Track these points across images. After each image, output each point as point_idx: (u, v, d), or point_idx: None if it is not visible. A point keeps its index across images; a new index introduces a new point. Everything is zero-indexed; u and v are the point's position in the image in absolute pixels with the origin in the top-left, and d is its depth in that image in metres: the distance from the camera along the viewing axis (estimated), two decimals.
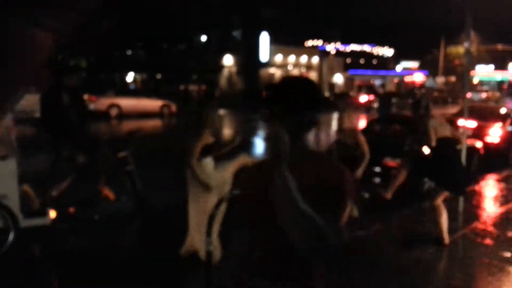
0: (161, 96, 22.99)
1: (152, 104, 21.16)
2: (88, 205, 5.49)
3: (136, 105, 19.49)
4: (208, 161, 4.24)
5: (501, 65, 47.40)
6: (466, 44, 7.76)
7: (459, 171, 4.87)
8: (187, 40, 33.38)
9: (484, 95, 38.65)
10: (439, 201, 4.82)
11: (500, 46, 48.19)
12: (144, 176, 5.71)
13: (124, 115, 18.86)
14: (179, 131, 16.15)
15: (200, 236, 3.93)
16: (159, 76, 33.34)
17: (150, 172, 8.17)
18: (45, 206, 4.97)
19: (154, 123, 16.90)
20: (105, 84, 24.30)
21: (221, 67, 33.14)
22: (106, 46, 26.46)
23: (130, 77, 33.75)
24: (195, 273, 3.87)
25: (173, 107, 21.74)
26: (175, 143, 12.58)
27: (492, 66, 47.77)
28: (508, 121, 10.34)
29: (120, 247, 4.62)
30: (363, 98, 32.63)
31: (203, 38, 34.57)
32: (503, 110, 11.24)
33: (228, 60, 33.35)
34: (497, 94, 41.41)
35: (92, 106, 17.52)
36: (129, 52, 33.51)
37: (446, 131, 4.91)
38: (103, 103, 18.90)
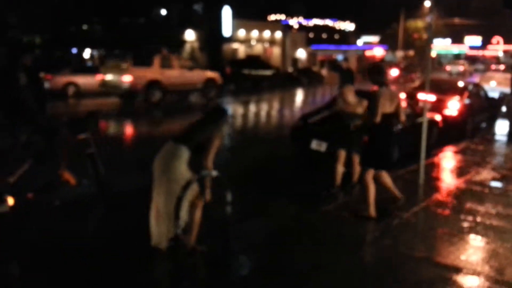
0: None
1: None
2: (48, 191, 5.29)
3: (95, 83, 18.74)
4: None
5: (458, 39, 48.78)
6: (428, 18, 7.87)
7: (386, 150, 5.14)
8: (146, 14, 32.23)
9: (461, 68, 39.88)
10: (368, 177, 5.01)
11: (457, 20, 49.46)
12: (106, 159, 5.53)
13: (82, 94, 18.16)
14: (140, 109, 15.75)
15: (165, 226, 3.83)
16: (117, 51, 32.21)
17: (111, 154, 7.95)
18: (2, 192, 4.75)
19: (114, 102, 16.34)
20: (60, 62, 23.21)
21: (183, 42, 32.34)
22: (60, 21, 25.17)
23: (87, 53, 32.41)
24: (161, 260, 3.82)
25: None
26: (142, 124, 12.33)
27: (449, 40, 49.07)
28: (466, 94, 10.68)
29: (82, 233, 4.49)
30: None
31: (163, 12, 33.51)
32: (460, 84, 11.59)
33: (190, 35, 32.57)
34: (472, 67, 43.02)
35: (47, 85, 16.71)
36: (85, 27, 32.06)
37: (393, 105, 4.96)
38: (59, 81, 18.07)
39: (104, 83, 17.22)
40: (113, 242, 4.26)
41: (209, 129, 3.85)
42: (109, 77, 16.97)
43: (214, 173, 3.74)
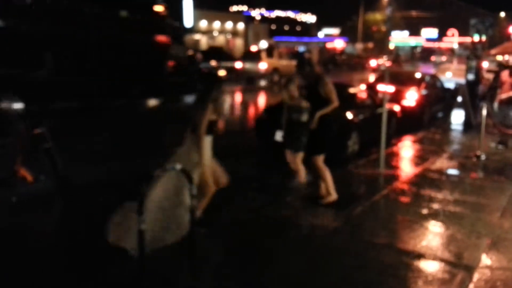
0: None
1: None
2: (4, 187, 5.05)
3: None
4: (210, 138, 4.33)
5: (415, 31, 50.23)
6: (387, 11, 8.05)
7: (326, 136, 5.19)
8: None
9: (444, 58, 41.14)
10: (319, 163, 5.13)
11: (414, 13, 50.88)
12: (64, 152, 5.34)
13: None
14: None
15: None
16: None
17: (69, 148, 7.68)
18: None
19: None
20: None
21: None
22: None
23: None
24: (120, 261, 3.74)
25: None
26: (101, 116, 11.97)
27: (406, 32, 50.44)
28: (423, 85, 11.03)
29: (40, 231, 4.32)
30: None
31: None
32: (418, 75, 11.96)
33: None
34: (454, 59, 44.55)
35: None
36: None
37: None
38: None
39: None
40: (71, 238, 4.13)
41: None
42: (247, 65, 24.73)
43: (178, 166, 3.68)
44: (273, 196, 5.44)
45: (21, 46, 12.38)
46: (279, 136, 7.06)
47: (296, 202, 5.28)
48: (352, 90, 8.50)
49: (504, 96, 9.90)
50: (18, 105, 5.11)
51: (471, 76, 11.54)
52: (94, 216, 4.41)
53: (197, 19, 32.99)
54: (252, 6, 40.69)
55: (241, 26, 37.74)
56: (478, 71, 11.99)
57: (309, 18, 47.54)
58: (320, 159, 5.12)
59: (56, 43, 13.55)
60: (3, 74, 10.95)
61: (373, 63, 35.55)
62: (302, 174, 5.27)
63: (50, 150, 5.05)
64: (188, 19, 31.96)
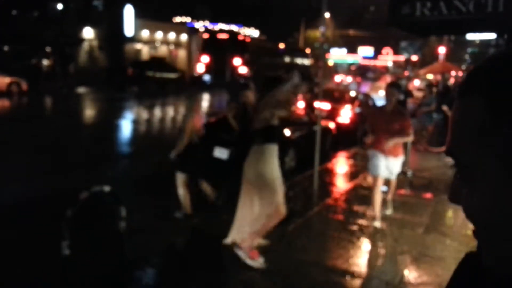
0: (10, 72, 20.32)
1: None
2: None
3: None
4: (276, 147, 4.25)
5: (352, 49, 52.46)
6: (321, 29, 8.39)
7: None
8: (40, 7, 29.82)
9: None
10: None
11: (351, 32, 53.22)
12: None
13: None
14: (31, 113, 14.56)
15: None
16: (6, 48, 29.33)
17: None
18: None
19: (0, 104, 14.90)
20: None
21: (80, 40, 30.49)
22: None
23: None
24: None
25: (24, 85, 19.41)
26: (27, 127, 11.38)
27: (345, 50, 52.59)
28: (356, 103, 11.54)
29: None
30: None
31: (59, 6, 31.30)
32: (352, 93, 12.50)
33: (88, 32, 30.83)
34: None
35: None
36: None
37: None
38: None
39: None
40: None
41: None
42: None
43: (107, 188, 3.59)
44: (209, 214, 5.43)
45: None
46: (218, 152, 7.09)
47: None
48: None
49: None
50: None
51: (400, 96, 12.25)
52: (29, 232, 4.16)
53: (138, 28, 32.34)
54: (196, 18, 40.60)
55: (184, 37, 37.48)
56: (407, 90, 12.75)
57: (252, 32, 48.26)
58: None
59: None
60: None
61: (337, 78, 35.68)
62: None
63: None
64: (129, 28, 31.27)
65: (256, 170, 4.12)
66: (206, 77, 25.43)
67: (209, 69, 25.31)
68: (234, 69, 24.18)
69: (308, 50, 34.57)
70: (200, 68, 26.22)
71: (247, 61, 24.59)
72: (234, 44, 25.05)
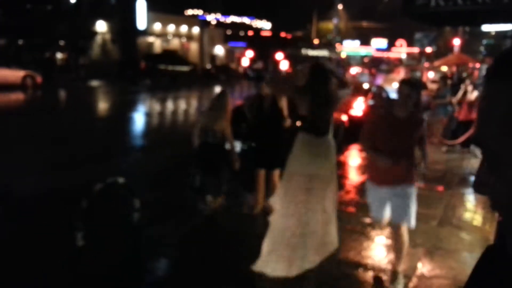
0: (24, 65, 20.59)
1: (13, 74, 18.88)
2: None
3: None
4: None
5: (365, 41, 51.99)
6: (334, 21, 8.30)
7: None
8: (54, 1, 30.08)
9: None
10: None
11: (364, 23, 52.69)
12: (4, 161, 5.10)
13: None
14: (45, 106, 14.73)
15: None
16: (21, 41, 29.67)
17: (12, 156, 7.38)
18: None
19: (15, 97, 15.11)
20: None
21: (93, 33, 30.71)
22: None
23: None
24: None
25: (38, 78, 19.67)
26: (41, 120, 11.53)
27: (358, 42, 52.14)
28: (369, 96, 11.44)
29: None
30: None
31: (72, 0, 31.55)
32: (365, 86, 12.39)
33: (101, 26, 31.02)
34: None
35: None
36: None
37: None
38: None
39: None
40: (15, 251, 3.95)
41: None
42: None
43: (121, 180, 3.62)
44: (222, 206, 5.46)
45: None
46: None
47: (242, 212, 5.31)
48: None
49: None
50: None
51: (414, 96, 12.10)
52: (38, 227, 4.23)
53: (151, 21, 32.46)
54: (208, 10, 40.57)
55: (196, 30, 37.51)
56: (421, 83, 12.59)
57: (264, 24, 48.07)
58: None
59: None
60: None
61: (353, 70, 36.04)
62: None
63: None
64: (141, 22, 31.39)
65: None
66: (250, 71, 28.04)
67: (253, 63, 27.86)
68: (276, 63, 25.61)
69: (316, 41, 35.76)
70: (245, 62, 29.15)
71: (287, 55, 25.80)
72: (276, 41, 26.77)
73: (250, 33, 30.73)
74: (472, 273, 0.67)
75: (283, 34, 27.84)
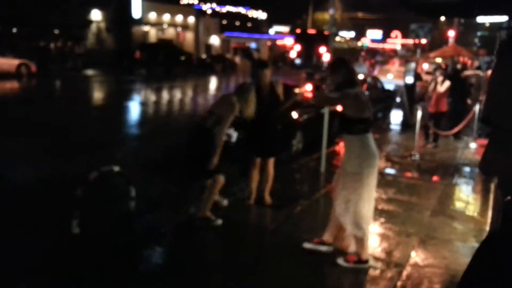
0: (19, 53, 20.39)
1: (7, 63, 18.74)
2: None
3: None
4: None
5: (361, 32, 51.85)
6: (331, 11, 8.29)
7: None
8: None
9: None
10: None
11: (360, 14, 52.49)
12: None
13: None
14: (40, 94, 14.63)
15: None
16: (14, 30, 29.30)
17: (7, 144, 7.35)
18: None
19: (10, 85, 14.98)
20: None
21: (88, 22, 30.38)
22: None
23: None
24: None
25: (33, 67, 19.51)
26: (36, 109, 11.46)
27: (353, 33, 51.97)
28: (365, 86, 11.46)
29: None
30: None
31: None
32: (360, 76, 12.38)
33: (96, 14, 30.69)
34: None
35: None
36: None
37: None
38: None
39: None
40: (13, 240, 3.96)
41: None
42: None
43: (116, 168, 3.62)
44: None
45: None
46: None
47: (237, 201, 5.34)
48: (297, 90, 8.66)
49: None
50: None
51: (409, 79, 12.11)
52: (37, 215, 4.23)
53: (146, 10, 32.16)
54: (203, 0, 40.26)
55: (191, 19, 37.23)
56: (416, 74, 12.60)
57: (260, 15, 47.74)
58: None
59: None
60: None
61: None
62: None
63: None
64: (136, 10, 31.10)
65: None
66: (298, 61, 33.53)
67: (300, 55, 33.53)
68: (319, 55, 30.20)
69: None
70: (292, 54, 35.02)
71: (329, 49, 28.92)
72: (320, 37, 31.28)
73: (298, 31, 36.04)
74: (473, 258, 0.67)
75: (326, 33, 31.68)
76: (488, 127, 0.56)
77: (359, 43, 50.95)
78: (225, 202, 4.94)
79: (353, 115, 3.79)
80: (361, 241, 3.86)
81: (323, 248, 4.10)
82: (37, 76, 19.28)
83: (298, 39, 34.77)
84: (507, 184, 0.55)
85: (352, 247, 4.00)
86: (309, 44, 32.49)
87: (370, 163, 3.77)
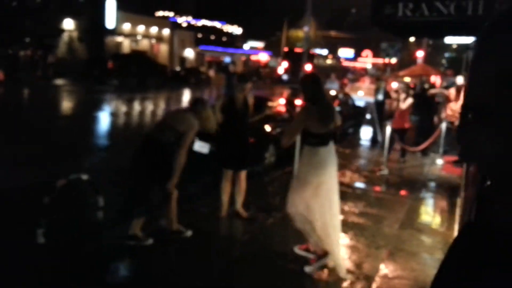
0: None
1: None
2: None
3: None
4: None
5: (333, 50, 52.93)
6: (305, 29, 8.45)
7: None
8: None
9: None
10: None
11: (333, 33, 53.65)
12: None
13: None
14: (7, 103, 14.21)
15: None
16: None
17: None
18: None
19: None
20: None
21: (60, 31, 29.83)
22: None
23: None
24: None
25: (0, 74, 18.97)
26: (3, 118, 11.09)
27: (326, 50, 52.99)
28: (336, 103, 11.67)
29: None
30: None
31: None
32: (332, 93, 12.61)
33: (68, 23, 30.19)
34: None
35: None
36: None
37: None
38: None
39: None
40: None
41: None
42: None
43: (85, 176, 3.54)
44: (186, 206, 5.40)
45: None
46: (198, 146, 7.04)
47: (208, 213, 5.29)
48: (270, 104, 8.75)
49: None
50: None
51: (380, 96, 12.40)
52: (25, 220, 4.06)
53: (120, 21, 31.88)
54: (179, 13, 40.26)
55: (166, 32, 37.14)
56: (386, 92, 12.92)
57: (235, 29, 48.15)
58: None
59: None
60: None
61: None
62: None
63: None
64: (110, 21, 30.79)
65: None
66: (285, 77, 36.62)
67: (287, 71, 36.84)
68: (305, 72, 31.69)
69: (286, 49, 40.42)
70: (280, 70, 38.85)
71: (314, 66, 31.09)
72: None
73: (286, 49, 39.00)
74: (450, 249, 0.67)
75: (312, 52, 34.18)
76: (471, 113, 0.56)
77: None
78: (189, 233, 4.71)
79: (308, 128, 3.94)
80: (310, 235, 4.06)
81: (312, 256, 4.17)
82: (4, 85, 18.74)
83: (286, 56, 37.85)
84: (490, 168, 0.55)
85: (311, 249, 4.16)
86: (295, 61, 34.23)
87: (318, 173, 3.93)
